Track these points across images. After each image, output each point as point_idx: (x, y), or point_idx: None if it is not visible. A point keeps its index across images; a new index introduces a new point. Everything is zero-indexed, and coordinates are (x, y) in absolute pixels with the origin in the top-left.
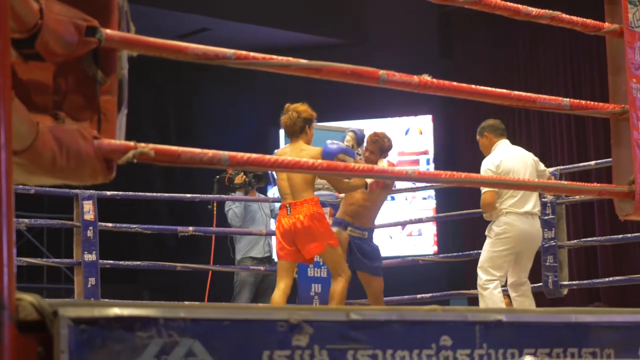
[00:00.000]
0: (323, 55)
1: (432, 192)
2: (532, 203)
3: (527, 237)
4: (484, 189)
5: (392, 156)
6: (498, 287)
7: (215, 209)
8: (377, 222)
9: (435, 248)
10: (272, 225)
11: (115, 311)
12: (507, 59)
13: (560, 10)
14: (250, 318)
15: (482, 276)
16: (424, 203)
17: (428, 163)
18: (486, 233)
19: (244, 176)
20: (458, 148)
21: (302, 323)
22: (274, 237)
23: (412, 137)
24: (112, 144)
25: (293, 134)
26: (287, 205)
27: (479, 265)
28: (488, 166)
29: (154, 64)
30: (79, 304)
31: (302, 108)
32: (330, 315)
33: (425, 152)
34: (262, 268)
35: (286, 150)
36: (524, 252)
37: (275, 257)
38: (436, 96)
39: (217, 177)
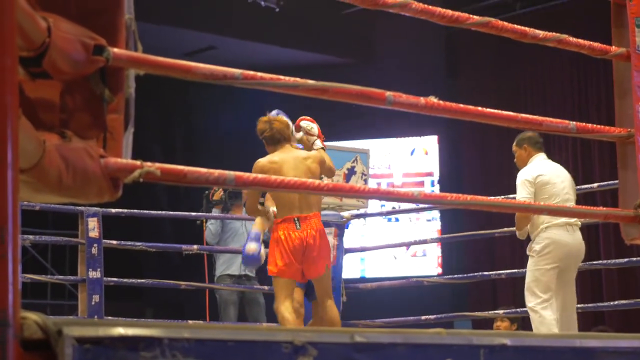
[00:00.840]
0: (329, 75)
1: (436, 214)
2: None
3: (573, 251)
4: (519, 199)
5: (397, 177)
6: (548, 309)
7: (204, 225)
8: (381, 242)
9: (439, 269)
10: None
11: (120, 331)
12: (513, 81)
13: (567, 33)
14: (255, 339)
15: (530, 299)
16: (429, 225)
17: (432, 185)
18: (528, 252)
19: (222, 193)
20: (463, 168)
21: (307, 345)
22: None
23: (417, 157)
24: (118, 163)
25: (286, 139)
26: (296, 219)
27: (525, 287)
28: (525, 177)
29: (160, 82)
30: (83, 323)
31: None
32: (334, 337)
33: (430, 174)
34: (265, 287)
35: (285, 157)
36: (569, 268)
37: (251, 273)
38: (442, 117)
39: (206, 192)
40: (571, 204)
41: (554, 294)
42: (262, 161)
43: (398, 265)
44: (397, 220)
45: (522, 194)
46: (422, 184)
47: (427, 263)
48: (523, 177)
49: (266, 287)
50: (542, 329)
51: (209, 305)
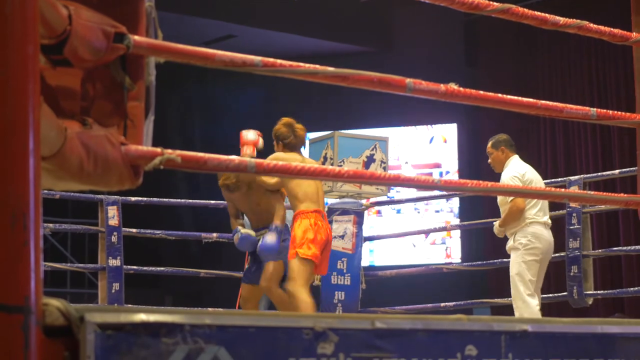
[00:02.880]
0: (348, 63)
1: (445, 205)
2: (547, 214)
3: (550, 248)
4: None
5: (414, 166)
6: (534, 297)
7: None
8: (402, 230)
9: (460, 256)
10: None
11: (142, 317)
12: (532, 68)
13: (586, 19)
14: (276, 325)
15: (518, 289)
16: (449, 215)
17: (441, 174)
18: (511, 245)
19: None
20: (482, 156)
21: (328, 331)
22: None
23: (436, 145)
24: (139, 150)
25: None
26: (323, 214)
27: (512, 278)
28: (514, 174)
29: (180, 70)
30: (105, 310)
31: None
32: (355, 323)
33: (438, 165)
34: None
35: (305, 161)
36: (545, 262)
37: None
38: (460, 104)
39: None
40: (546, 203)
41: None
42: (284, 155)
43: (417, 252)
44: (398, 211)
45: None
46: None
47: (447, 251)
48: (511, 174)
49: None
50: (527, 316)
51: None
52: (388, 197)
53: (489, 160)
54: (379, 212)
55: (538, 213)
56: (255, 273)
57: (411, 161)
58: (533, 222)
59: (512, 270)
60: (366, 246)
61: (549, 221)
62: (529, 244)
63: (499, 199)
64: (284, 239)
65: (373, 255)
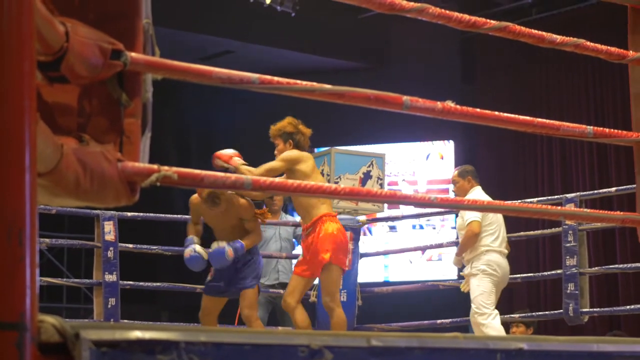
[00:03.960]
0: (344, 79)
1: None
2: (504, 243)
3: (506, 276)
4: (471, 218)
5: (421, 184)
6: (496, 318)
7: None
8: (398, 246)
9: (456, 273)
10: (289, 249)
11: (137, 334)
12: (529, 85)
13: (583, 38)
14: (272, 343)
15: (481, 311)
16: (453, 232)
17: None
18: (470, 272)
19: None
20: (479, 173)
21: (323, 349)
22: (284, 262)
23: (432, 162)
24: (135, 167)
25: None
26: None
27: (474, 303)
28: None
29: (176, 85)
30: (100, 327)
31: None
32: (351, 341)
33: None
34: (280, 291)
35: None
36: (500, 289)
37: (283, 280)
38: (458, 122)
39: None
40: (504, 232)
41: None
42: (300, 154)
43: (414, 269)
44: (421, 227)
45: (474, 214)
46: (446, 191)
47: (443, 267)
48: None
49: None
50: (494, 334)
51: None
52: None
53: (454, 189)
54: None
55: (495, 241)
56: (216, 286)
57: (424, 177)
58: (490, 250)
59: (474, 294)
60: (381, 261)
61: (505, 250)
62: (487, 269)
63: (459, 223)
64: (243, 264)
65: (388, 271)
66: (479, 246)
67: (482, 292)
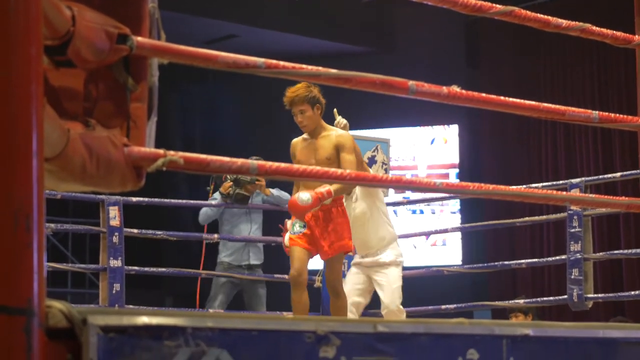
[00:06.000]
0: (348, 63)
1: (458, 206)
2: None
3: None
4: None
5: (421, 169)
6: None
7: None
8: (402, 231)
9: (460, 259)
10: (253, 233)
11: (144, 320)
12: (534, 70)
13: (588, 22)
14: (278, 329)
15: (397, 301)
16: (452, 217)
17: (457, 177)
18: (388, 261)
19: (230, 188)
20: (483, 158)
21: (330, 334)
22: (255, 246)
23: (437, 146)
24: (141, 152)
25: None
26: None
27: (393, 291)
28: None
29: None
30: (107, 312)
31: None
32: (357, 327)
33: (454, 166)
34: (274, 276)
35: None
36: None
37: (258, 262)
38: (462, 106)
39: (208, 188)
40: None
41: None
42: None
43: (418, 254)
44: (421, 212)
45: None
46: (446, 176)
47: (447, 253)
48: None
49: (275, 276)
50: None
51: (199, 291)
52: (404, 197)
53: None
54: None
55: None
56: None
57: (424, 161)
58: (397, 241)
59: (395, 284)
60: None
61: None
62: (401, 260)
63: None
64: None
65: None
66: (394, 236)
67: (400, 283)
